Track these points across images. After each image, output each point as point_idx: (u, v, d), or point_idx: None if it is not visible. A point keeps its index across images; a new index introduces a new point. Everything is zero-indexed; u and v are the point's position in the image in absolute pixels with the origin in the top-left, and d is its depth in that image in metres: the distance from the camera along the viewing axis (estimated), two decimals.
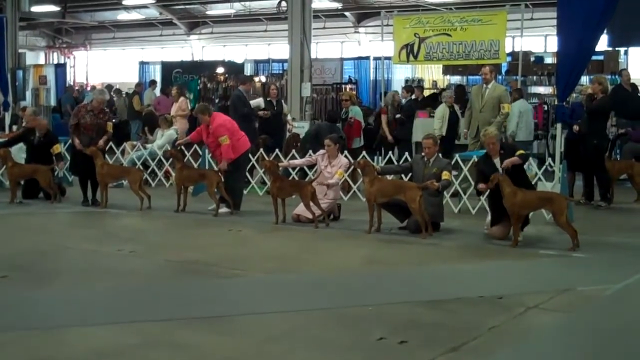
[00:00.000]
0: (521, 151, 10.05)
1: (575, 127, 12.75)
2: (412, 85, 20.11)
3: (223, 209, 11.72)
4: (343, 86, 23.05)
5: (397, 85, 23.20)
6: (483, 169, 10.05)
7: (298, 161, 12.54)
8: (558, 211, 9.25)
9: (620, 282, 7.64)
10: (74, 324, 6.23)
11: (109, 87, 24.27)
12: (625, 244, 9.84)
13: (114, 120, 14.04)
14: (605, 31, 12.95)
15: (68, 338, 5.88)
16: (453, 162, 11.68)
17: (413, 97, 18.31)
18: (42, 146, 13.20)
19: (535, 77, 20.55)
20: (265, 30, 30.86)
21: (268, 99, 15.72)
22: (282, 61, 24.33)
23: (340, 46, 30.55)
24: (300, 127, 16.68)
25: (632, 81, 15.78)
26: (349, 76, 24.83)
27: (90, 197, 12.56)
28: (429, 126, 15.34)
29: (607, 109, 13.11)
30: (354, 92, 21.21)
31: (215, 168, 12.07)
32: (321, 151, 11.76)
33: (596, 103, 12.61)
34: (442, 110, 15.42)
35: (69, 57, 35.70)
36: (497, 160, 9.94)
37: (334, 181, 11.31)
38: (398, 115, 16.57)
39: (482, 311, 6.64)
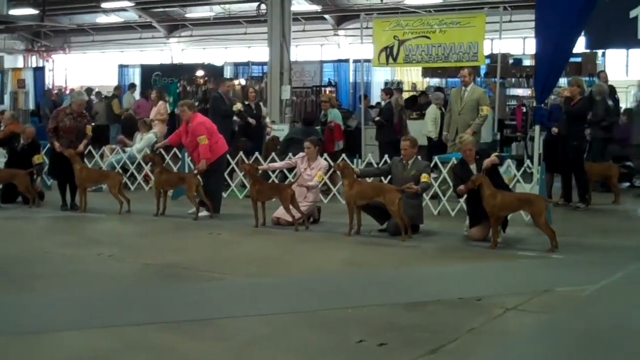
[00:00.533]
0: (496, 153, 10.16)
1: (554, 130, 12.82)
2: (392, 88, 20.17)
3: (203, 213, 11.71)
4: (323, 89, 23.09)
5: (377, 87, 23.28)
6: (459, 175, 10.11)
7: (277, 164, 12.54)
8: (537, 212, 9.31)
9: (598, 282, 7.69)
10: (53, 329, 6.20)
11: (89, 90, 24.15)
12: (604, 244, 9.90)
13: (92, 124, 13.97)
14: (582, 33, 13.04)
15: (47, 342, 5.86)
16: (432, 164, 11.72)
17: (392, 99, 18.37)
18: (25, 154, 13.14)
19: (513, 79, 20.67)
20: (245, 33, 30.85)
21: (247, 102, 15.69)
22: (262, 64, 24.38)
23: (319, 49, 30.59)
24: (279, 130, 16.69)
25: (609, 83, 15.92)
26: (329, 79, 24.90)
27: (69, 201, 12.51)
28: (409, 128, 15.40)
29: (586, 111, 13.20)
30: (334, 95, 21.26)
31: (194, 169, 12.05)
32: (300, 154, 11.77)
33: (576, 107, 12.67)
34: (434, 112, 15.45)
35: (47, 61, 35.55)
36: (473, 167, 10.01)
37: (314, 183, 11.33)
38: (377, 118, 16.60)
39: (462, 313, 6.66)
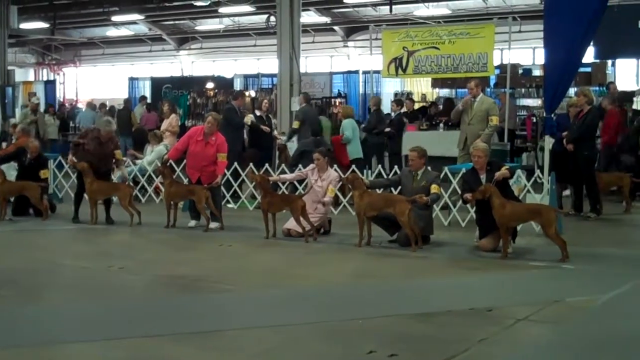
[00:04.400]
0: (507, 166, 10.16)
1: (570, 147, 12.63)
2: (402, 99, 20.18)
3: (213, 224, 11.73)
4: (333, 100, 23.10)
5: (387, 98, 23.28)
6: (469, 182, 10.11)
7: (288, 176, 12.55)
8: (547, 223, 9.30)
9: (609, 293, 7.67)
10: (65, 340, 6.23)
11: (103, 105, 24.08)
12: (614, 254, 9.87)
13: None
14: (592, 43, 13.04)
15: (59, 354, 5.89)
16: (442, 175, 11.71)
17: (403, 110, 18.36)
18: (33, 168, 13.22)
19: (523, 90, 20.63)
20: (255, 45, 30.94)
21: (259, 113, 15.71)
22: (272, 76, 24.40)
23: (329, 60, 30.64)
24: (290, 142, 16.68)
25: (619, 91, 15.92)
26: (338, 90, 24.88)
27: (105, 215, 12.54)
28: (418, 139, 15.37)
29: (597, 120, 13.18)
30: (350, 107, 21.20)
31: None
32: (311, 165, 11.77)
33: (587, 117, 12.62)
34: None
35: (58, 74, 35.69)
36: (483, 176, 10.01)
37: (327, 199, 11.36)
38: (388, 129, 16.61)
39: (472, 323, 6.66)
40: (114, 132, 13.02)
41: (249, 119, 15.14)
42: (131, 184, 13.97)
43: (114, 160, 12.73)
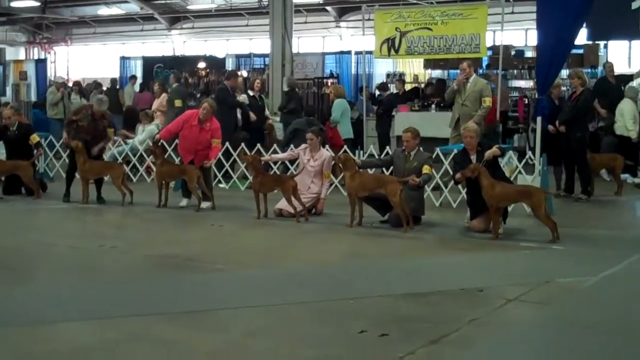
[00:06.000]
0: (497, 145, 10.18)
1: (562, 128, 12.65)
2: (387, 83, 20.16)
3: (204, 204, 11.72)
4: (325, 80, 23.07)
5: (379, 79, 23.27)
6: (459, 163, 10.12)
7: (280, 155, 12.55)
8: (536, 205, 9.32)
9: (599, 274, 7.70)
10: (56, 320, 6.22)
11: (98, 85, 23.97)
12: (605, 236, 9.92)
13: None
14: (584, 25, 13.02)
15: (51, 334, 5.88)
16: (434, 155, 11.71)
17: (395, 91, 18.36)
18: (19, 139, 13.12)
19: (516, 71, 20.63)
20: (247, 25, 30.79)
21: (252, 94, 15.68)
22: (264, 56, 24.34)
23: (321, 41, 30.53)
24: (279, 122, 16.66)
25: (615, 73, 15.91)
26: (331, 70, 24.85)
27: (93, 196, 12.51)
28: (409, 120, 15.37)
29: (590, 102, 13.19)
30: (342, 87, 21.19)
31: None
32: (303, 145, 11.77)
33: (582, 101, 12.63)
34: (632, 109, 14.58)
35: (49, 53, 35.50)
36: (473, 157, 10.01)
37: (324, 194, 11.44)
38: (377, 92, 16.57)
39: (463, 303, 6.68)
40: (105, 109, 12.92)
41: (241, 98, 15.11)
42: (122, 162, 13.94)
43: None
